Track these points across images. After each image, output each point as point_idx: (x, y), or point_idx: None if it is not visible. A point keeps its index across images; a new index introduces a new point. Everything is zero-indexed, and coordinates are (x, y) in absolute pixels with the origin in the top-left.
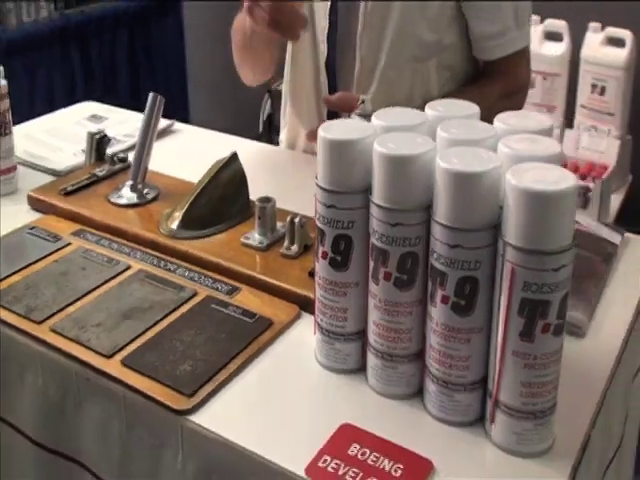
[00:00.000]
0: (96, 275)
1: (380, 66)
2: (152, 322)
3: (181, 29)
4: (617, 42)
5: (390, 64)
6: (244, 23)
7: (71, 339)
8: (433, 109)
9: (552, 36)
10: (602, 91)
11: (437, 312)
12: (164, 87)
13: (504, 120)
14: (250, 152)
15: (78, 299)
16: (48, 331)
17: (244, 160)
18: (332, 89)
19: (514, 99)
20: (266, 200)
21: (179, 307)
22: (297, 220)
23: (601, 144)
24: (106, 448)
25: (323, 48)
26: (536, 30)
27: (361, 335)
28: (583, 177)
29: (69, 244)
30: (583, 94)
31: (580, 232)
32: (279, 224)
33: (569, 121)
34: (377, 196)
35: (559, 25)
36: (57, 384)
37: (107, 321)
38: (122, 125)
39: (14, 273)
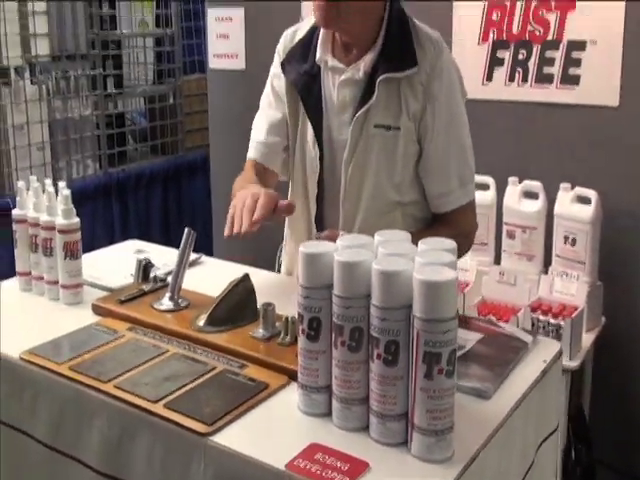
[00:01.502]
0: (144, 355)
1: (358, 220)
2: (184, 383)
3: (208, 185)
4: (584, 200)
5: (366, 219)
6: (240, 184)
7: (128, 391)
8: (380, 236)
9: (529, 195)
10: (573, 242)
11: (374, 366)
12: None
13: (425, 242)
14: (259, 277)
15: (132, 369)
16: (112, 387)
17: (255, 282)
18: None
19: (464, 241)
20: (268, 305)
21: (203, 375)
22: (290, 319)
23: (572, 288)
24: (150, 468)
25: (313, 207)
26: (515, 190)
27: (330, 388)
28: (556, 316)
29: (124, 336)
30: (557, 245)
31: (500, 333)
32: (277, 323)
33: (547, 269)
34: (336, 289)
35: (535, 185)
36: (118, 425)
37: (153, 382)
38: (160, 257)
39: (85, 353)
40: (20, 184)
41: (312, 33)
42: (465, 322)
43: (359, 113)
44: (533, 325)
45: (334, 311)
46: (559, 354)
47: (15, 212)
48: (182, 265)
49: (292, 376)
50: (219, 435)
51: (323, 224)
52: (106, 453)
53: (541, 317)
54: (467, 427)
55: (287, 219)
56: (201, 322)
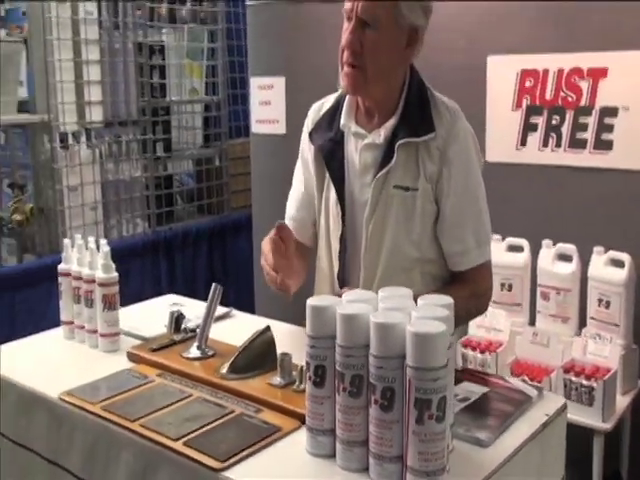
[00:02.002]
0: (170, 398)
1: (378, 277)
2: (204, 424)
3: (251, 242)
4: (618, 263)
5: (385, 275)
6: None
7: (153, 430)
8: (383, 292)
9: (563, 257)
10: (607, 305)
11: (372, 410)
12: (235, 289)
13: (424, 298)
14: (283, 329)
15: (158, 410)
16: (139, 426)
17: (278, 335)
18: None
19: (480, 300)
20: (285, 354)
21: (222, 417)
22: (305, 368)
23: (605, 350)
24: None
25: (335, 264)
26: (549, 252)
27: (334, 431)
28: (588, 378)
29: (153, 381)
30: (591, 307)
31: (506, 386)
32: (294, 372)
33: (582, 330)
34: (339, 339)
35: (569, 248)
36: (142, 459)
37: (176, 421)
38: (193, 309)
39: (117, 395)
40: (66, 241)
41: (337, 105)
42: (472, 376)
43: (379, 175)
44: (566, 386)
45: (337, 359)
46: (562, 409)
47: (60, 266)
48: (209, 317)
49: (304, 420)
50: (231, 471)
51: (345, 282)
52: None
53: (574, 378)
54: (462, 471)
55: (316, 278)
56: (224, 370)
